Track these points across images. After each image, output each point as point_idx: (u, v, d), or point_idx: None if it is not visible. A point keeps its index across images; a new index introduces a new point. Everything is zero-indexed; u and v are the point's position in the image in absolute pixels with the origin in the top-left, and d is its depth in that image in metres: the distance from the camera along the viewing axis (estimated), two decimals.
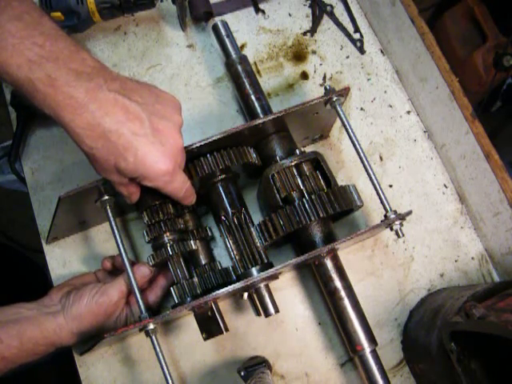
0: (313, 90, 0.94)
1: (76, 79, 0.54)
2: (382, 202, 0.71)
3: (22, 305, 0.68)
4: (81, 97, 0.54)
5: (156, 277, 0.77)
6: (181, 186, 0.65)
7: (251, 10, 0.99)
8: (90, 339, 0.71)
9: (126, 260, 0.68)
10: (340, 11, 0.99)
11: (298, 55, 0.96)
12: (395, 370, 0.79)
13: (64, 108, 0.54)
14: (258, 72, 0.94)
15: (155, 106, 0.60)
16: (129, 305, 0.73)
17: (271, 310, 0.71)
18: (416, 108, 0.93)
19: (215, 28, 0.86)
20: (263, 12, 0.98)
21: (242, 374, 0.72)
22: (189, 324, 0.79)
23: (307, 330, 0.81)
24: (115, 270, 0.77)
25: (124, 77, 0.60)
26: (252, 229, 0.72)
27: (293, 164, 0.73)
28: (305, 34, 0.98)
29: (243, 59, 0.84)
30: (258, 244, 0.72)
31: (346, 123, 0.73)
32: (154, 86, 0.63)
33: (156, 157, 0.59)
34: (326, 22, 0.99)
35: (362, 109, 0.93)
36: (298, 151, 0.75)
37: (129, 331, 0.65)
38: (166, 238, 0.73)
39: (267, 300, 0.71)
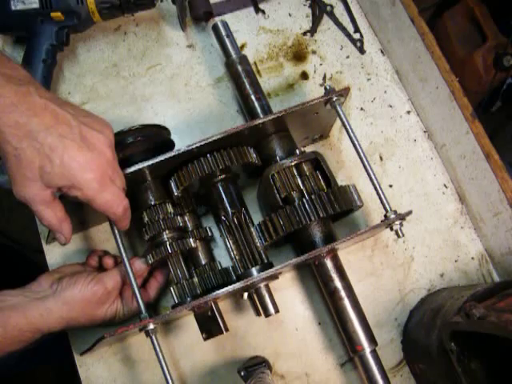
0: (313, 90, 0.94)
1: (6, 81, 0.55)
2: (382, 202, 0.71)
3: (6, 292, 0.67)
4: (10, 96, 0.55)
5: (153, 274, 0.78)
6: (114, 200, 0.62)
7: (251, 10, 0.99)
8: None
9: (126, 260, 0.68)
10: (340, 11, 0.99)
11: (298, 55, 0.96)
12: (395, 370, 0.80)
13: None
14: (258, 72, 0.94)
15: (86, 118, 0.61)
16: (121, 298, 0.73)
17: (271, 310, 0.71)
18: (416, 108, 0.93)
19: (215, 28, 0.86)
20: (263, 12, 0.98)
21: (242, 373, 0.72)
22: (189, 324, 0.79)
23: (307, 330, 0.81)
24: (101, 269, 0.76)
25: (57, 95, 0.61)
26: (252, 229, 0.72)
27: (293, 164, 0.73)
28: (305, 33, 0.98)
29: (243, 59, 0.84)
30: (258, 244, 0.72)
31: (346, 123, 0.73)
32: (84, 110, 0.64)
33: (83, 161, 0.58)
34: (326, 22, 0.99)
35: (362, 109, 0.93)
36: (297, 151, 0.75)
37: (129, 331, 0.65)
38: (165, 236, 0.73)
39: (267, 300, 0.71)
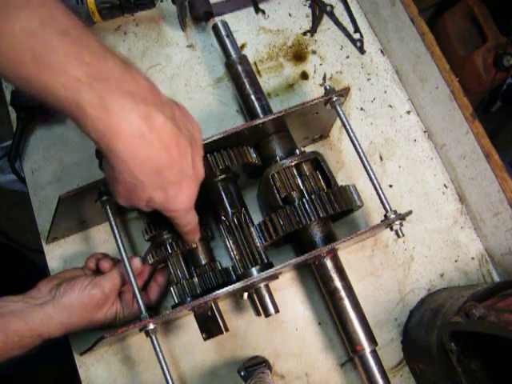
0: (313, 90, 0.94)
1: (132, 102, 0.49)
2: (382, 202, 0.71)
3: (7, 298, 0.67)
4: (141, 124, 0.50)
5: (154, 275, 0.78)
6: (191, 221, 0.66)
7: (251, 10, 0.99)
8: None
9: (126, 260, 0.68)
10: (340, 11, 0.99)
11: (298, 55, 0.96)
12: (395, 370, 0.79)
13: (119, 135, 0.49)
14: (258, 72, 0.94)
15: (194, 138, 0.59)
16: (120, 299, 0.73)
17: (271, 310, 0.71)
18: (416, 108, 0.93)
19: (215, 28, 0.86)
20: (263, 12, 0.98)
21: (242, 373, 0.72)
22: (189, 324, 0.79)
23: (307, 330, 0.81)
24: (99, 272, 0.76)
25: (168, 98, 0.56)
26: (252, 229, 0.72)
27: (293, 164, 0.73)
28: (305, 33, 0.98)
29: (243, 59, 0.84)
30: (258, 244, 0.72)
31: (345, 123, 0.73)
32: (186, 110, 0.61)
33: (190, 194, 0.59)
34: (326, 22, 0.99)
35: (361, 109, 0.93)
36: (297, 151, 0.75)
37: (129, 331, 0.65)
38: (165, 236, 0.73)
39: (267, 300, 0.71)
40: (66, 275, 0.74)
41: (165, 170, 0.54)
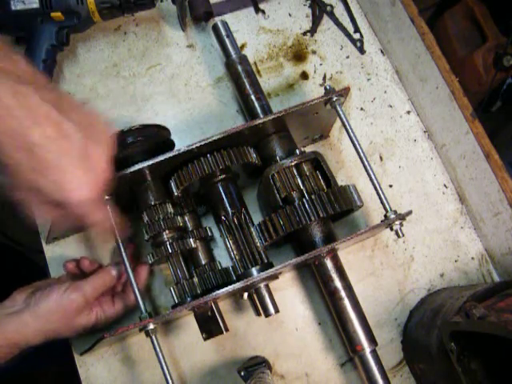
0: (313, 90, 0.94)
1: (3, 78, 0.48)
2: (382, 202, 0.71)
3: None
4: (8, 97, 0.48)
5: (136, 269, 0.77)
6: (104, 220, 0.62)
7: (251, 9, 0.99)
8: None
9: (126, 260, 0.68)
10: (340, 11, 0.99)
11: (298, 55, 0.96)
12: (395, 370, 0.79)
13: None
14: (258, 72, 0.94)
15: (90, 129, 0.55)
16: (100, 305, 0.72)
17: (271, 310, 0.71)
18: (416, 108, 0.93)
19: (215, 28, 0.86)
20: (263, 12, 0.98)
21: (242, 373, 0.72)
22: (189, 324, 0.79)
23: (307, 330, 0.81)
24: (81, 274, 0.75)
25: (63, 92, 0.54)
26: (252, 229, 0.72)
27: (293, 164, 0.73)
28: (305, 34, 0.98)
29: (243, 59, 0.84)
30: (258, 244, 0.72)
31: (346, 123, 0.73)
32: (94, 109, 0.58)
33: (79, 182, 0.53)
34: (326, 22, 0.99)
35: (362, 109, 0.93)
36: (298, 151, 0.75)
37: (129, 331, 0.65)
38: (165, 236, 0.73)
39: (267, 300, 0.71)
40: (40, 284, 0.73)
41: (37, 149, 0.50)
